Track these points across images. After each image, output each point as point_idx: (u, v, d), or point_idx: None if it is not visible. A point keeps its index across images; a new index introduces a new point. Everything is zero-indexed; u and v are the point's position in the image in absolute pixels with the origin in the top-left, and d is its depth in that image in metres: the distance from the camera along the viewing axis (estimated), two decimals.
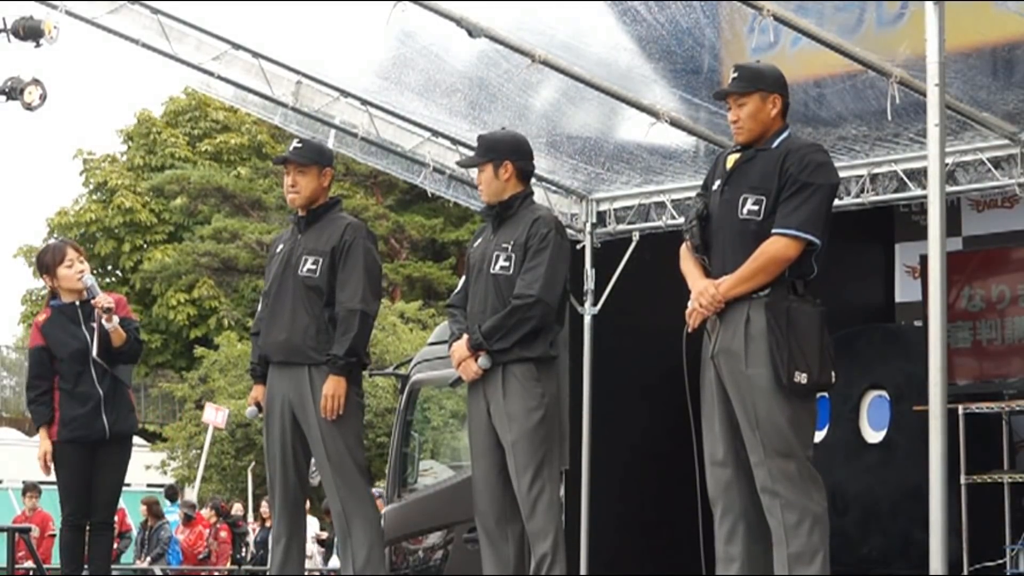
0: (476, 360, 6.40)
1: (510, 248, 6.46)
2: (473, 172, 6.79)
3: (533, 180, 9.40)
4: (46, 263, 7.83)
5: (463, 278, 6.75)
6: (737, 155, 5.85)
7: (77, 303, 7.77)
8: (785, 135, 5.81)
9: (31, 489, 17.85)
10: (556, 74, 8.54)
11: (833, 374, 5.65)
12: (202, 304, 35.23)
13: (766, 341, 5.57)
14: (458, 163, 7.73)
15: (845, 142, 8.74)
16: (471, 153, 6.98)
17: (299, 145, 6.91)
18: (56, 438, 7.68)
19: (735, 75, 5.84)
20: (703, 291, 5.70)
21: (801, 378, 5.54)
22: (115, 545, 16.84)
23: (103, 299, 7.64)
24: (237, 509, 21.23)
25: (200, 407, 26.73)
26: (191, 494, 26.24)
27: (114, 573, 17.00)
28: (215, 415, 24.05)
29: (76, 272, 7.77)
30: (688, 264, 5.88)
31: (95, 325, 7.69)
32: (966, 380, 9.78)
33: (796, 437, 5.59)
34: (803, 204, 5.62)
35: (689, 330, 5.81)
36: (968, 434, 9.14)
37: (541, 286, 6.35)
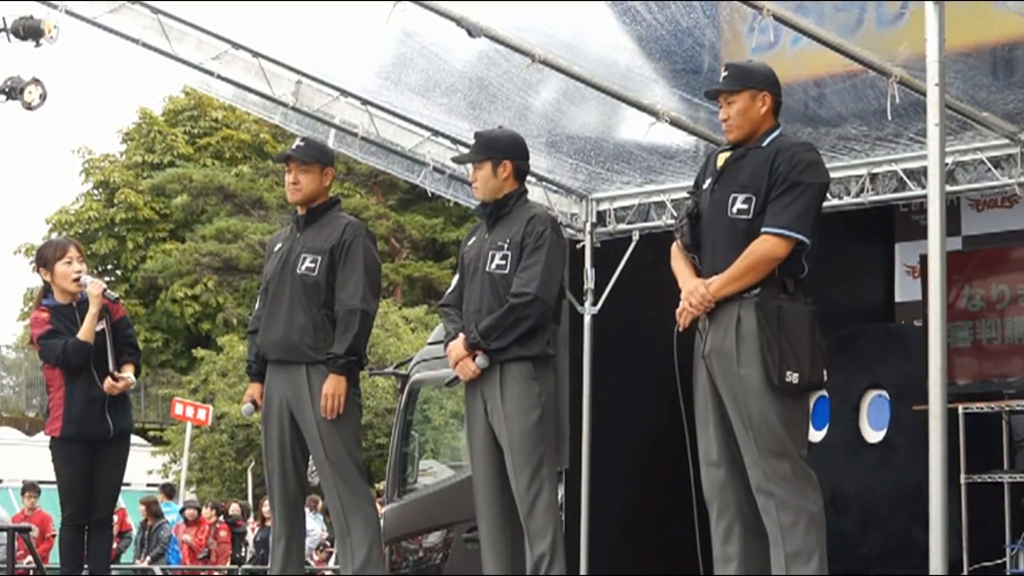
0: (473, 359, 6.40)
1: (506, 246, 6.45)
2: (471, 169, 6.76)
3: (533, 180, 9.48)
4: (46, 257, 7.81)
5: (456, 276, 6.75)
6: (728, 154, 5.85)
7: (74, 304, 7.77)
8: (776, 134, 5.80)
9: (30, 488, 17.80)
10: (556, 74, 8.54)
11: (825, 373, 5.64)
12: (206, 302, 35.24)
13: (757, 341, 5.56)
14: (455, 159, 7.70)
15: (845, 142, 8.74)
16: None
17: (302, 143, 6.92)
18: (59, 435, 7.67)
19: (725, 73, 5.86)
20: (693, 291, 5.70)
21: (793, 377, 5.53)
22: (115, 545, 16.87)
23: (95, 284, 7.67)
24: (233, 509, 21.20)
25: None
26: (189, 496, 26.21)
27: (114, 573, 17.03)
28: (192, 412, 23.90)
29: (74, 271, 7.76)
30: (679, 263, 5.88)
31: (98, 328, 7.69)
32: (966, 380, 9.78)
33: (789, 436, 5.59)
34: (793, 203, 5.61)
35: (680, 329, 5.80)
36: (968, 434, 9.14)
37: (538, 284, 6.35)
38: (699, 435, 5.83)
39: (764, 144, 5.75)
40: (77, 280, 7.75)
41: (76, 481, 7.68)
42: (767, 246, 5.60)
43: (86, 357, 7.61)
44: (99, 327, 7.70)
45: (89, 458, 7.67)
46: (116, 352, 7.76)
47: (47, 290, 7.87)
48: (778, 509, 5.55)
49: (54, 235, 35.91)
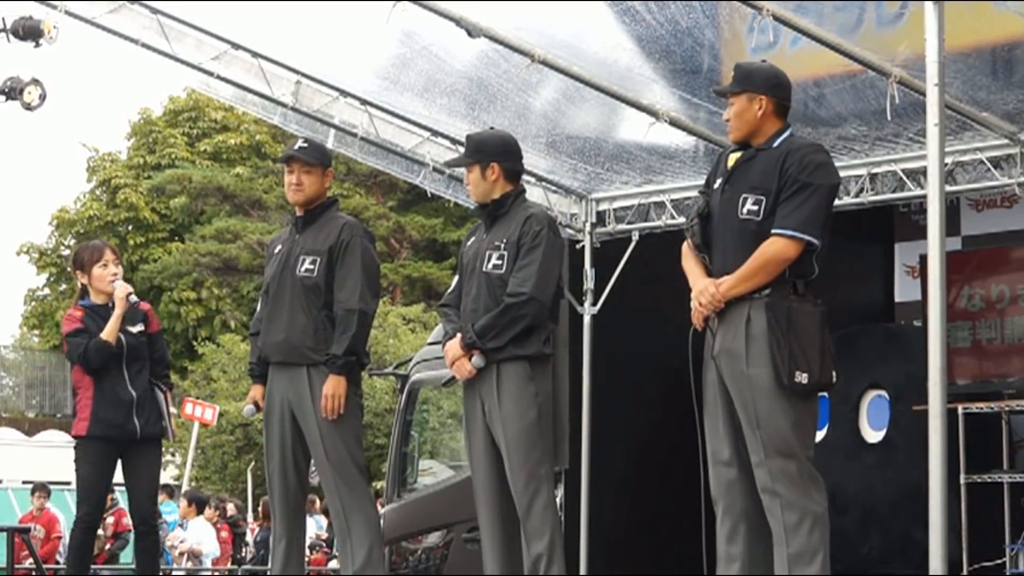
0: (470, 359, 6.40)
1: (503, 246, 6.45)
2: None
3: (533, 180, 9.49)
4: (82, 260, 7.85)
5: (456, 277, 6.76)
6: (738, 154, 5.85)
7: (110, 304, 7.78)
8: (786, 135, 5.81)
9: (40, 489, 17.81)
10: (556, 74, 8.54)
11: (834, 374, 5.65)
12: (207, 305, 35.23)
13: (767, 341, 5.57)
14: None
15: (845, 142, 8.74)
16: None
17: (305, 145, 6.93)
18: (85, 433, 7.62)
19: (732, 74, 5.88)
20: (703, 290, 5.71)
21: (802, 378, 5.54)
22: (108, 546, 16.91)
23: (121, 287, 7.68)
24: (231, 508, 21.16)
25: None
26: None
27: (114, 573, 17.02)
28: (200, 412, 23.97)
29: (110, 274, 7.80)
30: (689, 262, 5.89)
31: (132, 328, 7.69)
32: (966, 380, 9.78)
33: (797, 437, 5.59)
34: (803, 204, 5.62)
35: (699, 328, 5.80)
36: (968, 434, 9.15)
37: (534, 284, 6.35)
38: (708, 434, 5.83)
39: (774, 145, 5.75)
40: (113, 282, 7.79)
41: (96, 481, 7.64)
42: (777, 247, 5.60)
43: (106, 357, 7.59)
44: (137, 329, 7.71)
45: (112, 460, 7.63)
46: (153, 362, 7.80)
47: (84, 291, 7.90)
48: (783, 509, 5.55)
49: (56, 235, 36.04)
